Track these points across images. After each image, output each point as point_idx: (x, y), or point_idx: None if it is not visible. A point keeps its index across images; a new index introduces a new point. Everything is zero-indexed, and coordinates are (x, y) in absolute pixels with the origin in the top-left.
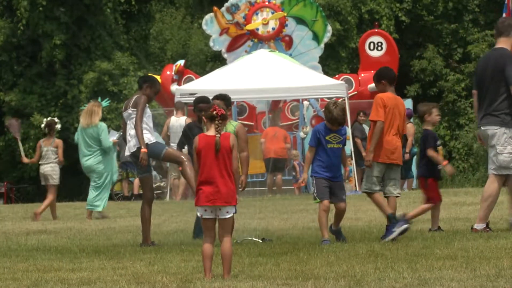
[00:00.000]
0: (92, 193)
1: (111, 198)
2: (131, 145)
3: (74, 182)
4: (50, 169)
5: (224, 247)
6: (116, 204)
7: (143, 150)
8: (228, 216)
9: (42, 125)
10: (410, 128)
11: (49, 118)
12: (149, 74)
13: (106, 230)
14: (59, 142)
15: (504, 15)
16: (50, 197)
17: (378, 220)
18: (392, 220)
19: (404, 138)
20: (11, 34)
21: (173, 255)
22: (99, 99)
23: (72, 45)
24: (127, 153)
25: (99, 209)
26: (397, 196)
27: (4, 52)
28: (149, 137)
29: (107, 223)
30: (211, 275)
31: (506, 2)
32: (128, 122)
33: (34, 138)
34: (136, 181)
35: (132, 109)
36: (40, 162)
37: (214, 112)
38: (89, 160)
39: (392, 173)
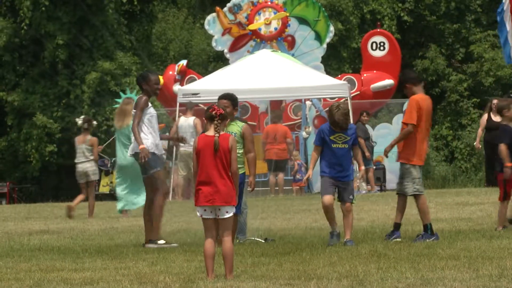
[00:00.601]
0: (128, 193)
1: (113, 198)
2: (129, 148)
3: (75, 183)
4: (90, 166)
5: (225, 247)
6: None
7: (141, 146)
8: (228, 216)
9: (79, 122)
10: None
11: (83, 116)
12: (144, 70)
13: (109, 230)
14: (94, 140)
15: (507, 11)
16: (92, 194)
17: (380, 220)
18: (428, 230)
19: None
20: (13, 34)
21: (175, 255)
22: (128, 93)
23: (74, 45)
24: (129, 153)
25: (136, 206)
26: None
27: (7, 52)
28: (149, 144)
29: (110, 223)
30: (213, 275)
31: (503, 1)
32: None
33: (37, 138)
34: None
35: (135, 110)
36: (76, 160)
37: (213, 112)
38: (125, 159)
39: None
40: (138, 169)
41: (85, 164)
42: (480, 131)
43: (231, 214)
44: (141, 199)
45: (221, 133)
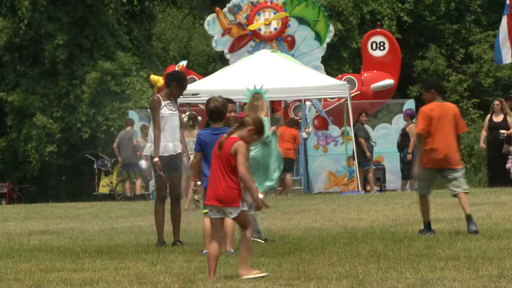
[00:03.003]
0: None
1: (113, 198)
2: (146, 147)
3: (76, 183)
4: None
5: (242, 239)
6: (118, 205)
7: (155, 160)
8: (232, 216)
9: (185, 119)
10: (412, 128)
11: (188, 112)
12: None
13: (108, 230)
14: None
15: (505, 17)
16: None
17: (380, 221)
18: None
19: (406, 139)
20: (14, 34)
21: (175, 255)
22: (255, 88)
23: (74, 45)
24: (144, 153)
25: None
26: (464, 191)
27: (7, 52)
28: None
29: (109, 223)
30: (215, 276)
31: (507, 2)
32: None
33: (37, 139)
34: (138, 182)
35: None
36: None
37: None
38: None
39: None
40: (261, 161)
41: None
42: (484, 132)
43: (235, 215)
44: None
45: (232, 135)
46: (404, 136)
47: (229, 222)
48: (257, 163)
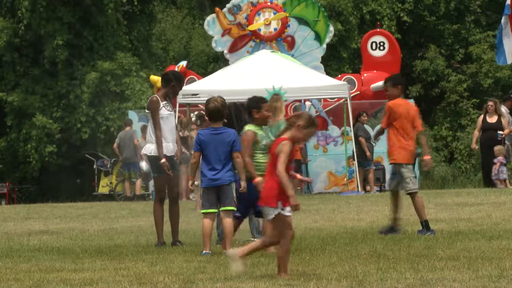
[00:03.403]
0: None
1: (113, 198)
2: (145, 147)
3: (76, 183)
4: None
5: (281, 246)
6: (118, 205)
7: (162, 161)
8: (269, 217)
9: (193, 118)
10: None
11: (197, 112)
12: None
13: (108, 230)
14: None
15: (506, 16)
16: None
17: (380, 221)
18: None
19: None
20: (13, 34)
21: (175, 255)
22: (274, 89)
23: (74, 45)
24: (142, 152)
25: None
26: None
27: (7, 52)
28: (152, 147)
29: (109, 223)
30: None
31: (508, 2)
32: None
33: (37, 139)
34: (138, 182)
35: (148, 110)
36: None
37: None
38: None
39: None
40: None
41: None
42: (476, 132)
43: (271, 216)
44: None
45: (282, 136)
46: None
47: (228, 222)
48: None
